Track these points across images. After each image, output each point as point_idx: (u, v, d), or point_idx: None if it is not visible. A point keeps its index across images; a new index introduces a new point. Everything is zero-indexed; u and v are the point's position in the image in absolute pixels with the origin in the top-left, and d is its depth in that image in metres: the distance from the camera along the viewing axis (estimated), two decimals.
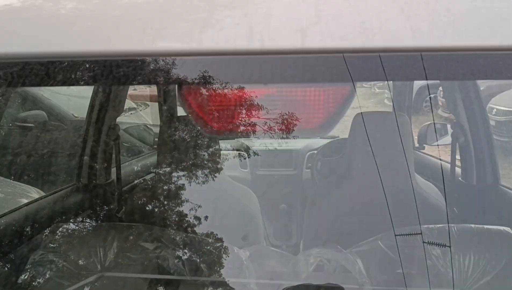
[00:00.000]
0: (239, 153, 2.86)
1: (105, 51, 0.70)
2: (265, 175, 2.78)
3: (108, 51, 0.70)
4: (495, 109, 7.50)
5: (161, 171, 1.46)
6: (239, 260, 0.93)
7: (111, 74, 0.71)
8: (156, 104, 2.91)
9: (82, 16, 0.76)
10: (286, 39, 0.68)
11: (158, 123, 2.59)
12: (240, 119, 1.09)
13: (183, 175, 1.39)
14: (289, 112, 1.05)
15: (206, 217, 1.13)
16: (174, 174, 1.41)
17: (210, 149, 1.46)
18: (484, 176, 1.76)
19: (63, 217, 1.52)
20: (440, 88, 3.25)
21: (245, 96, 0.99)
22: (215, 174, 1.36)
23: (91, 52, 0.70)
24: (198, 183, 1.32)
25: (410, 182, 1.34)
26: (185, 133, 1.60)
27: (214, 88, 0.85)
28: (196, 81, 0.75)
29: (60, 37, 0.72)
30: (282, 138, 1.12)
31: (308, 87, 1.01)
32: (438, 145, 2.55)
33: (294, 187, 2.60)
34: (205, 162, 1.41)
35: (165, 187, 1.38)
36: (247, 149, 2.91)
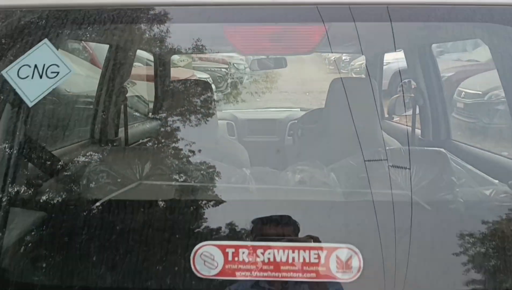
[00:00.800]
0: (227, 122, 3.15)
1: None
2: (251, 141, 3.08)
3: None
4: (463, 92, 7.92)
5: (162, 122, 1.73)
6: (243, 174, 1.23)
7: None
8: (146, 83, 3.18)
9: None
10: None
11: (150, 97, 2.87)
12: None
13: (185, 127, 1.67)
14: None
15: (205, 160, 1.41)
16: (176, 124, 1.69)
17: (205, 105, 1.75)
18: (439, 133, 2.10)
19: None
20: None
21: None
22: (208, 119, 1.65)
23: None
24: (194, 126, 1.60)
25: (379, 127, 1.67)
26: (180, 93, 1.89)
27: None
28: None
29: None
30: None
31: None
32: (405, 115, 2.90)
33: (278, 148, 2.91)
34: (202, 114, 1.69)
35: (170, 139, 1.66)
36: (235, 119, 3.21)
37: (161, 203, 1.03)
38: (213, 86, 7.21)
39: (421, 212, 1.06)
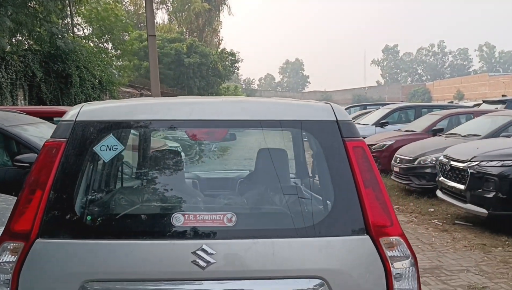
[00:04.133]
0: (192, 181, 4.14)
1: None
2: (208, 194, 4.06)
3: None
4: (398, 158, 9.11)
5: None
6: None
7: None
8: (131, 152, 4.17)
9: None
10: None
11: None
12: None
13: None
14: None
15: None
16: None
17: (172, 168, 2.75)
18: None
19: None
20: None
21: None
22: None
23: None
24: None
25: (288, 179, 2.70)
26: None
27: None
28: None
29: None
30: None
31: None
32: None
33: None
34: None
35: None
36: (198, 178, 4.21)
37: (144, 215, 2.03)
38: (183, 154, 8.23)
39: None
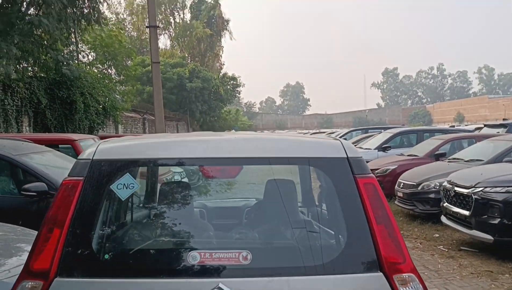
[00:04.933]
0: (199, 210, 4.17)
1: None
2: (216, 223, 4.08)
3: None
4: (402, 183, 9.10)
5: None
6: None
7: None
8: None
9: None
10: None
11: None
12: None
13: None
14: None
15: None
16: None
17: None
18: None
19: None
20: None
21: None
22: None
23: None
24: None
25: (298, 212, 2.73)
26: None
27: None
28: None
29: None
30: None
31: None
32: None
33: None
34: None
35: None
36: (205, 207, 4.24)
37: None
38: (187, 179, 8.26)
39: None
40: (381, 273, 1.85)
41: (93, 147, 2.13)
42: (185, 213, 2.51)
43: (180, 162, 2.24)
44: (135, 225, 2.48)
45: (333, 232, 2.18)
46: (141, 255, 1.98)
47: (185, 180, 8.05)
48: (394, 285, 1.83)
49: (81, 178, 1.99)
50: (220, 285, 1.79)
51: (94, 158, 2.05)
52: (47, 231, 1.91)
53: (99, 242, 1.97)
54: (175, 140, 2.32)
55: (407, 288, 1.84)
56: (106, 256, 1.93)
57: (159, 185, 3.55)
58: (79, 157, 2.11)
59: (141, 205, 3.48)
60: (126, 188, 2.00)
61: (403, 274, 1.86)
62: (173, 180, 7.84)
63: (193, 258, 1.89)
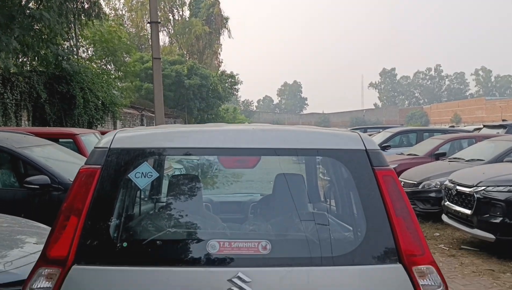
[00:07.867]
0: (205, 204, 4.16)
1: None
2: (222, 218, 4.08)
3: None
4: (403, 182, 9.13)
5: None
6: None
7: None
8: None
9: None
10: None
11: None
12: None
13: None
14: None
15: None
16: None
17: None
18: None
19: None
20: None
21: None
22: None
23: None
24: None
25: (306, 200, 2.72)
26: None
27: None
28: None
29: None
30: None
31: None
32: None
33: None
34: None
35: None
36: (211, 201, 4.23)
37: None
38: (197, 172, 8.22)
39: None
40: (400, 265, 1.86)
41: (110, 136, 2.11)
42: (196, 205, 2.50)
43: (198, 152, 2.23)
44: (152, 214, 2.47)
45: (351, 224, 2.18)
46: (159, 243, 1.97)
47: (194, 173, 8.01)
48: (413, 277, 1.83)
49: (99, 166, 1.98)
50: (240, 274, 1.79)
51: (111, 146, 2.04)
52: (64, 219, 1.90)
53: (117, 230, 1.96)
54: (192, 129, 2.31)
55: (426, 280, 1.85)
56: (125, 244, 1.92)
57: (167, 177, 3.54)
58: (96, 145, 2.10)
59: (154, 195, 3.49)
60: (145, 177, 1.99)
61: (422, 266, 1.86)
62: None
63: (213, 247, 1.88)
